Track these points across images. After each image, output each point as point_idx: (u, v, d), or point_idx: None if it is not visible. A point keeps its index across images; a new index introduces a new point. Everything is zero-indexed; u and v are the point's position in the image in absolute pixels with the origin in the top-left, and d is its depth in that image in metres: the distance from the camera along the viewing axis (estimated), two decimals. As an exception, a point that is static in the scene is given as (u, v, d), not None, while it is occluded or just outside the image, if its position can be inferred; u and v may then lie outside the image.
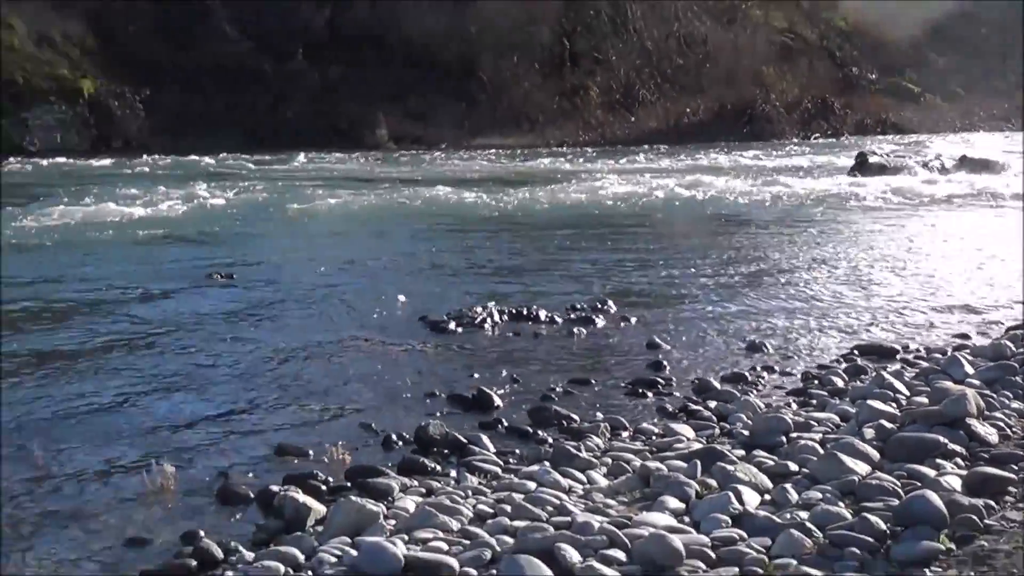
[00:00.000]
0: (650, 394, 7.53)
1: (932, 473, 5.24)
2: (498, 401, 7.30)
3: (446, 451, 6.22)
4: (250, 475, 5.90)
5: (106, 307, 10.86)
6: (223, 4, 47.12)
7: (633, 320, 9.99)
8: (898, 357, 8.35)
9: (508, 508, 5.09)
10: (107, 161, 34.37)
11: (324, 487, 5.61)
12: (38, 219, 18.22)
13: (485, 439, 6.38)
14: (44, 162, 34.94)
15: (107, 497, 5.62)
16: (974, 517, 4.65)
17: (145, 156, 36.61)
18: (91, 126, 42.53)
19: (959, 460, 5.46)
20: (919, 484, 5.07)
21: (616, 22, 56.19)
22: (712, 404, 7.11)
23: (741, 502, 4.97)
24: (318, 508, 5.22)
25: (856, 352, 8.56)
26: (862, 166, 29.22)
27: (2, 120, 39.78)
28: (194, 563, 4.70)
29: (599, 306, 10.50)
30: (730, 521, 4.80)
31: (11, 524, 5.28)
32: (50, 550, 4.99)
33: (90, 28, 44.90)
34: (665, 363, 8.32)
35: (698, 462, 5.55)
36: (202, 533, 4.99)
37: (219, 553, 4.78)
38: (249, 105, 44.89)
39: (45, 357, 8.60)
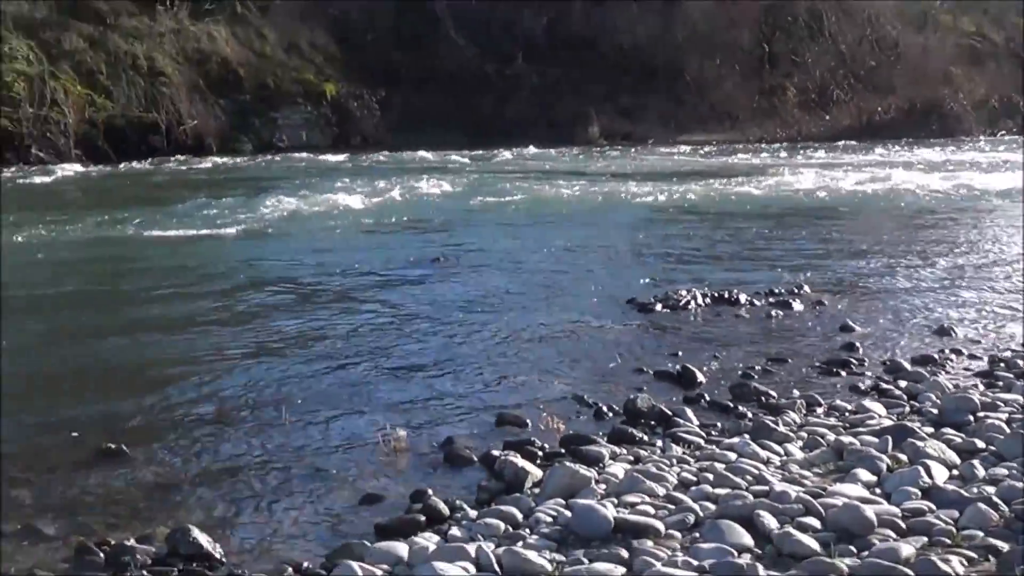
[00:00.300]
0: (843, 373, 7.42)
1: (1116, 453, 5.06)
2: (701, 377, 7.27)
3: (653, 423, 6.23)
4: (474, 441, 5.99)
5: (347, 291, 11.06)
6: (451, 13, 47.59)
7: (827, 304, 9.83)
8: (1083, 343, 8.07)
9: (710, 476, 5.08)
10: (343, 156, 35.00)
11: (540, 453, 5.68)
12: (272, 209, 18.53)
13: (689, 412, 6.38)
14: (277, 157, 35.78)
15: (346, 459, 5.78)
16: None
17: (378, 152, 37.24)
18: (332, 125, 43.32)
19: None
20: (1104, 463, 4.91)
21: (812, 27, 55.13)
22: (903, 384, 6.96)
23: (930, 476, 4.88)
24: (535, 472, 5.27)
25: (1043, 337, 8.30)
26: (1047, 162, 28.21)
27: (256, 119, 41.00)
28: (423, 518, 4.80)
29: (795, 291, 10.37)
30: (920, 494, 4.71)
31: (257, 482, 5.47)
32: (293, 505, 5.16)
33: (333, 36, 45.82)
34: (857, 345, 8.18)
35: (889, 438, 5.46)
36: (430, 492, 5.09)
37: (445, 510, 4.88)
38: (473, 105, 45.19)
39: (296, 337, 8.82)
